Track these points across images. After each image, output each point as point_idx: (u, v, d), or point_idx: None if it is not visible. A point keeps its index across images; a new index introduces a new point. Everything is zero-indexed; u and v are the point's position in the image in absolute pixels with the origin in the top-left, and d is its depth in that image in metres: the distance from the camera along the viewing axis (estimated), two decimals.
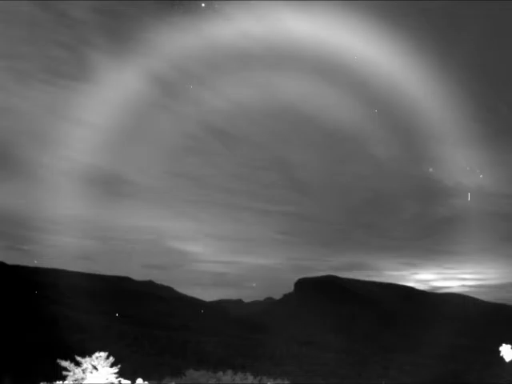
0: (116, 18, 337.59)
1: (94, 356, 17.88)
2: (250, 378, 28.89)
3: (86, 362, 17.79)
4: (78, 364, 17.81)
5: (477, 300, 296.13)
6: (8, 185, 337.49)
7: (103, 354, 17.94)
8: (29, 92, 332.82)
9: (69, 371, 17.73)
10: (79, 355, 17.91)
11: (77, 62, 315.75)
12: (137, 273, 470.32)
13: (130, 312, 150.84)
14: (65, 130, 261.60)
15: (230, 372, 29.13)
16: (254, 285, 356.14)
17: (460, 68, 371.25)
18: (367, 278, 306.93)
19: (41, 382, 20.39)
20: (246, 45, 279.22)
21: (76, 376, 17.66)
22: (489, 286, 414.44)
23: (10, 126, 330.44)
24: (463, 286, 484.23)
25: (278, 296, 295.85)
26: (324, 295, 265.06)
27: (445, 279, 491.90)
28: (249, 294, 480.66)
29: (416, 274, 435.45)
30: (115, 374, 18.00)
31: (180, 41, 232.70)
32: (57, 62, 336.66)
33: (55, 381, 18.32)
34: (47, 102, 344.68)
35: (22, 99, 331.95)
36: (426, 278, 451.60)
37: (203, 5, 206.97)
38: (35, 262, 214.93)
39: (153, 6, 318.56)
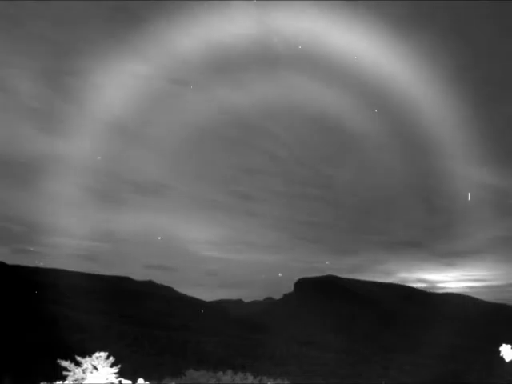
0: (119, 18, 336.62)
1: (94, 356, 17.88)
2: (250, 378, 28.88)
3: (86, 362, 17.79)
4: (78, 364, 17.81)
5: (477, 300, 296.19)
6: (11, 185, 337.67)
7: (103, 354, 17.94)
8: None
9: (69, 371, 17.74)
10: (79, 355, 17.91)
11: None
12: (137, 273, 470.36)
13: (130, 312, 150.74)
14: (68, 130, 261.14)
15: (230, 372, 29.13)
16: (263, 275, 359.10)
17: (464, 69, 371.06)
18: (367, 278, 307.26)
19: (41, 382, 20.40)
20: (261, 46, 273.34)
21: (76, 376, 17.66)
22: (489, 286, 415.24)
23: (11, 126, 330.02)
24: (463, 286, 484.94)
25: (278, 296, 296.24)
26: (324, 295, 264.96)
27: (445, 279, 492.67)
28: (249, 293, 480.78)
29: (416, 274, 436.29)
30: (115, 373, 18.00)
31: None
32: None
33: (55, 381, 18.32)
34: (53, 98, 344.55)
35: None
36: (427, 278, 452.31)
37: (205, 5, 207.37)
38: (36, 263, 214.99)
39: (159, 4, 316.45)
